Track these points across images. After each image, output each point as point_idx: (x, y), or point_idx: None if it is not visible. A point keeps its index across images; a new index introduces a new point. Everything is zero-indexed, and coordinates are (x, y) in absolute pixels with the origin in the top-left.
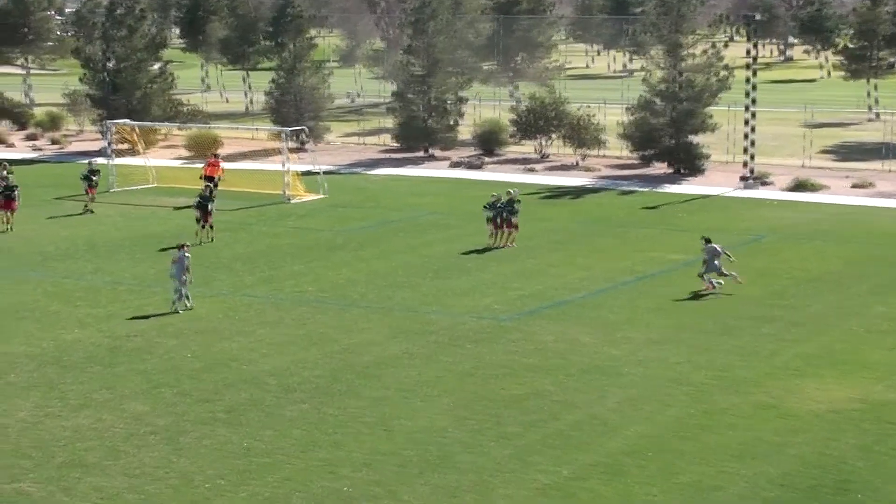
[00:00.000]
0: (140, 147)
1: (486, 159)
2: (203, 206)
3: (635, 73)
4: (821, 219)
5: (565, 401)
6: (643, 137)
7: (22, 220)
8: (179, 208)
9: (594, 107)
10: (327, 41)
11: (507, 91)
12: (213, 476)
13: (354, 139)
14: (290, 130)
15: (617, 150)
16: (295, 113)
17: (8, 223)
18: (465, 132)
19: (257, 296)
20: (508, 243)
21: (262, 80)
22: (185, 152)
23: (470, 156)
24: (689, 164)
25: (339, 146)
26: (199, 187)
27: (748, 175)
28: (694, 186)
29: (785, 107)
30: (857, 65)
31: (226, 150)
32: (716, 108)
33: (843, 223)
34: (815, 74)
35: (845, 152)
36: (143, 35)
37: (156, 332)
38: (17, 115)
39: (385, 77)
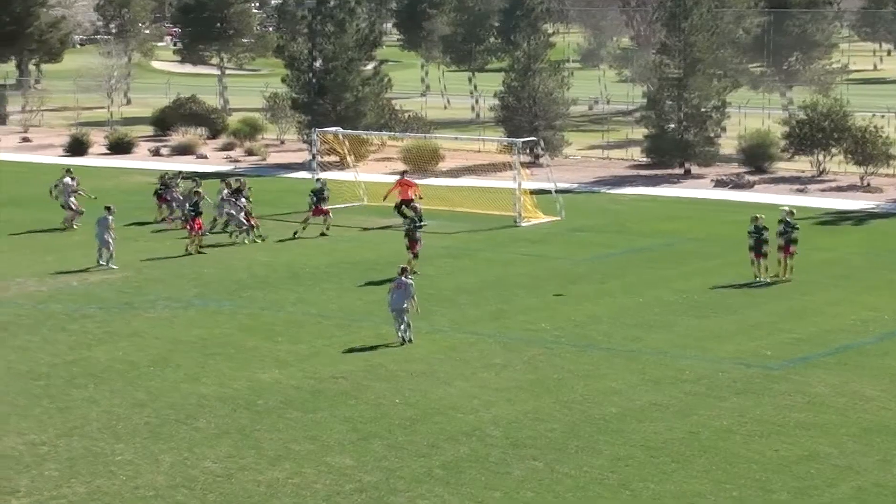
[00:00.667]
0: (349, 160)
1: (753, 178)
2: (412, 232)
3: None
4: None
5: (845, 465)
6: None
7: (211, 241)
8: (384, 227)
9: (883, 116)
10: (567, 38)
11: (779, 97)
12: None
13: (597, 152)
14: (523, 142)
15: None
16: (528, 122)
17: (195, 246)
18: (727, 145)
19: (483, 333)
20: (786, 275)
21: (491, 83)
22: (400, 166)
23: (733, 173)
24: None
25: (578, 161)
26: (406, 212)
27: None
28: None
29: None
30: None
31: (447, 163)
32: None
33: None
34: None
35: None
36: (354, 31)
37: (365, 374)
38: (210, 122)
39: (634, 80)
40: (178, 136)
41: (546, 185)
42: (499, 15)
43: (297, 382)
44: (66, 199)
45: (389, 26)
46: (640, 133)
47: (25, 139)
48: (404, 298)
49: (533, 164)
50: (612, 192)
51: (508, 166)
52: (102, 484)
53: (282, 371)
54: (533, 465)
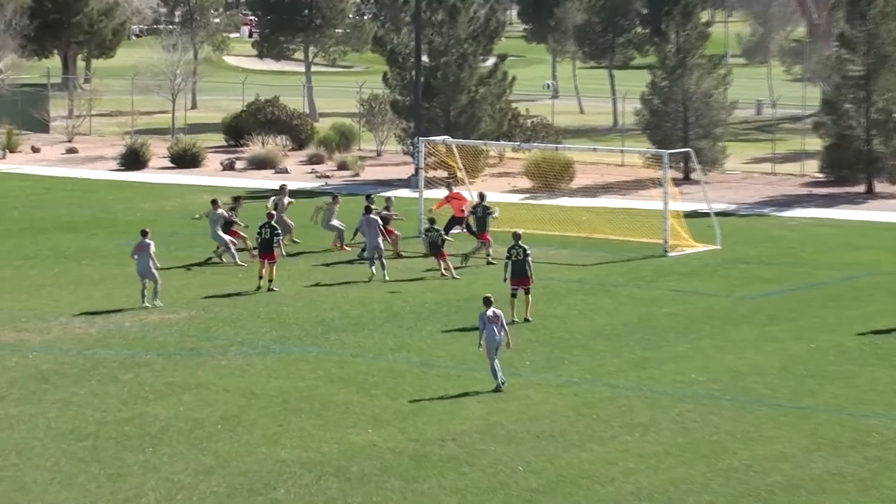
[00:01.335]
0: (462, 174)
1: None
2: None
3: None
4: None
5: None
6: None
7: (290, 275)
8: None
9: None
10: (727, 28)
11: None
12: None
13: (763, 167)
14: (673, 154)
15: None
16: (680, 129)
17: (268, 279)
18: None
19: (622, 386)
20: None
21: (635, 83)
22: (524, 183)
23: None
24: None
25: (740, 176)
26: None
27: None
28: None
29: None
30: None
31: (580, 180)
32: None
33: None
34: None
35: None
36: (469, 19)
37: (479, 435)
38: (294, 130)
39: (808, 79)
40: (255, 147)
41: (701, 207)
42: (645, 0)
43: (397, 445)
44: (331, 222)
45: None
46: (815, 143)
47: (71, 150)
48: (500, 332)
49: (685, 180)
50: (781, 214)
51: (655, 184)
52: None
53: (378, 431)
54: None
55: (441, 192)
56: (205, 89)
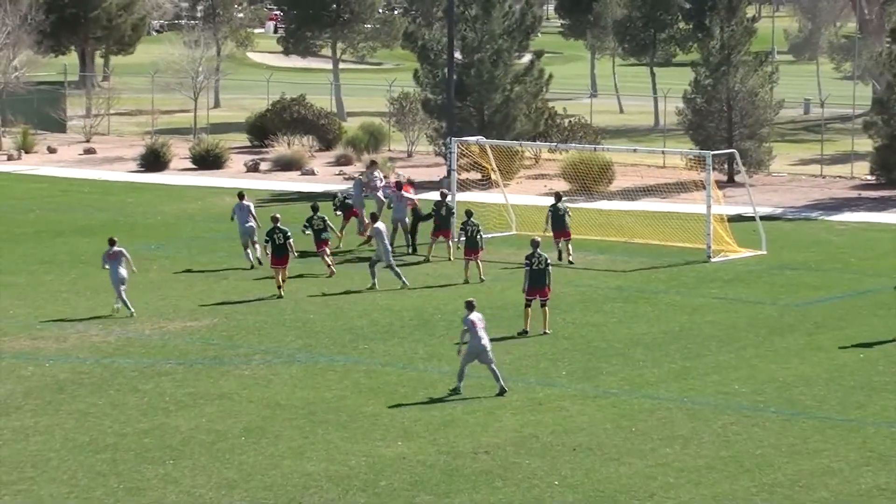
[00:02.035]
0: (496, 177)
1: None
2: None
3: None
4: None
5: None
6: None
7: (313, 281)
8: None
9: None
10: (774, 24)
11: None
12: None
13: (811, 168)
14: (717, 155)
15: None
16: (724, 130)
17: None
18: None
19: (663, 397)
20: None
21: (677, 81)
22: (561, 185)
23: None
24: None
25: (787, 179)
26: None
27: None
28: None
29: None
30: None
31: (620, 182)
32: None
33: None
34: None
35: None
36: (504, 14)
37: (513, 448)
38: (321, 130)
39: (859, 77)
40: (280, 148)
41: (745, 210)
42: None
43: (428, 458)
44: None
45: (549, 8)
46: (865, 144)
47: (89, 150)
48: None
49: (729, 183)
50: (830, 218)
51: (698, 186)
52: None
53: (408, 444)
54: None
55: (475, 195)
56: (228, 87)
